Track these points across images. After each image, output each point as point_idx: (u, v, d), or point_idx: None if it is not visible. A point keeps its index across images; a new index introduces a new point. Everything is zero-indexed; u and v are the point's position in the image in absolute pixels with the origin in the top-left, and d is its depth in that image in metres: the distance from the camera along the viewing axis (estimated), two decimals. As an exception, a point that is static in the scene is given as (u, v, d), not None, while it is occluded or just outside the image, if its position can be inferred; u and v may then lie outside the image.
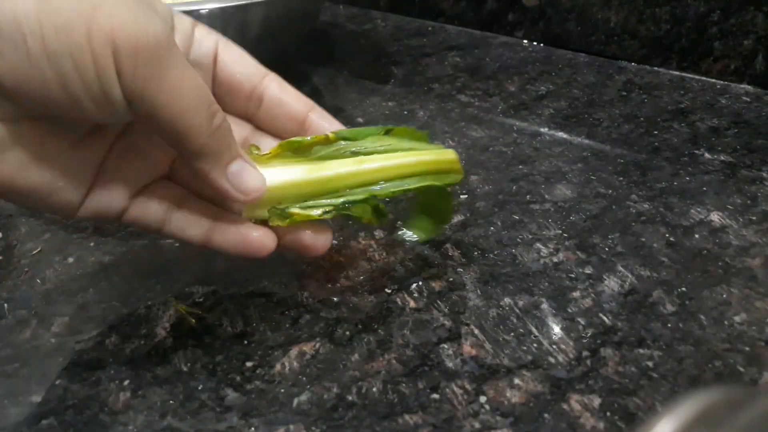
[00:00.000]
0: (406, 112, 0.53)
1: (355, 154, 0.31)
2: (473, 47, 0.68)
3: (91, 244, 0.36)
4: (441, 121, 0.51)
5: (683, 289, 0.32)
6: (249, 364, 0.28)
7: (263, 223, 0.30)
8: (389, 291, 0.32)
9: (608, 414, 0.25)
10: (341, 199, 0.30)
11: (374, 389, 0.27)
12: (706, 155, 0.45)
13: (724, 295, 0.31)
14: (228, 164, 0.27)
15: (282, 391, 0.27)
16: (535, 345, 0.29)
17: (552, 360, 0.28)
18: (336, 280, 0.33)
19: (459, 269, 0.34)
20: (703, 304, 0.31)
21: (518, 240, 0.36)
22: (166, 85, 0.24)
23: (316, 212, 0.30)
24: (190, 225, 0.29)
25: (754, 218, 0.37)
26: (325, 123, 0.32)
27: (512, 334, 0.29)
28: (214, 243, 0.30)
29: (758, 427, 0.16)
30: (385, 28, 0.75)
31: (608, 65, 0.62)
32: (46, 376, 0.28)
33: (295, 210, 0.29)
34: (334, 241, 0.36)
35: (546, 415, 0.25)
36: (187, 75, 0.25)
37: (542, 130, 0.49)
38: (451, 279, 0.33)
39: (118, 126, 0.28)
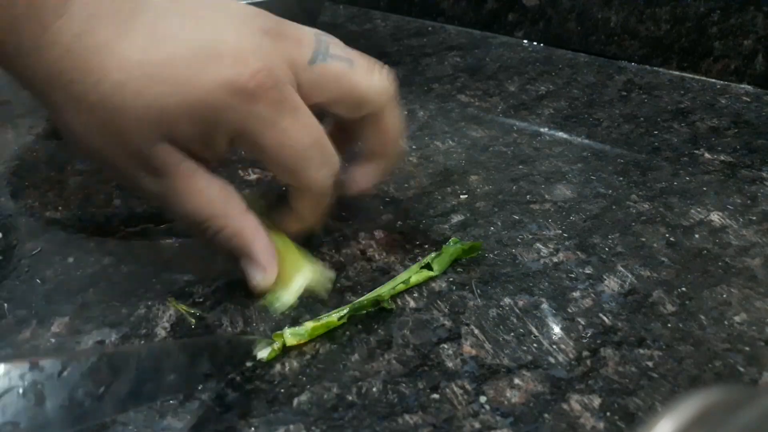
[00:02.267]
0: (406, 112, 0.53)
1: None
2: (473, 47, 0.68)
3: (91, 244, 0.36)
4: (441, 121, 0.51)
5: (683, 289, 0.32)
6: (249, 364, 0.28)
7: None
8: (389, 291, 0.32)
9: (608, 414, 0.25)
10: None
11: (374, 389, 0.27)
12: (706, 155, 0.45)
13: (724, 295, 0.31)
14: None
15: (282, 391, 0.27)
16: (535, 345, 0.29)
17: (552, 360, 0.28)
18: (336, 280, 0.33)
19: (459, 269, 0.34)
20: (703, 304, 0.31)
21: (518, 240, 0.36)
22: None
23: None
24: None
25: (754, 218, 0.37)
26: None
27: (512, 334, 0.29)
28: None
29: (758, 427, 0.16)
30: (385, 28, 0.75)
31: (608, 65, 0.62)
32: (46, 376, 0.28)
33: (311, 324, 0.29)
34: (334, 241, 0.36)
35: (546, 415, 0.25)
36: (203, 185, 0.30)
37: (542, 130, 0.49)
38: (451, 279, 0.33)
39: None
